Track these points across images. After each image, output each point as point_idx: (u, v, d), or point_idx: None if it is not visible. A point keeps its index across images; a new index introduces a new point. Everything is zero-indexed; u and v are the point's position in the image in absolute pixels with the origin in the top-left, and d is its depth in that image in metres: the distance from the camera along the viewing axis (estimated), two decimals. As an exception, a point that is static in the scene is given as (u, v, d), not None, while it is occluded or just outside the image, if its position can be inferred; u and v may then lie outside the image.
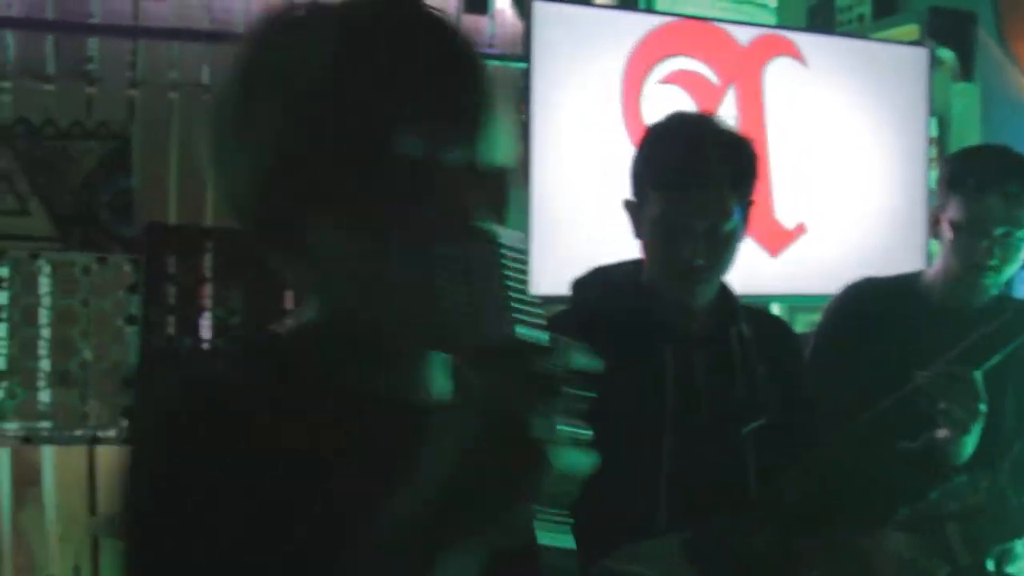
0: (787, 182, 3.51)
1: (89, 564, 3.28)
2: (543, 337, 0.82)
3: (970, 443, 2.09)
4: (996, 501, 2.13)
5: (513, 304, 0.82)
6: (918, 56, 3.72)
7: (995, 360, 2.13)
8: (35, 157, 3.17)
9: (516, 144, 1.01)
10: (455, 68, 0.96)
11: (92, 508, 3.30)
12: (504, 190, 0.99)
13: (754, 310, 2.14)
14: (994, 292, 2.49)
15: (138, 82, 3.40)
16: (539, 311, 0.84)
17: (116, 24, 3.40)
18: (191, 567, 0.89)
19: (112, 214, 3.24)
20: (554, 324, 0.83)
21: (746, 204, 1.95)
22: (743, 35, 3.51)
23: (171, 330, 3.25)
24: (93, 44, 3.37)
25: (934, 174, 3.77)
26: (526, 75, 3.27)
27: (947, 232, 2.43)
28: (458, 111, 0.94)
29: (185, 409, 0.94)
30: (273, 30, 0.99)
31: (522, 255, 0.85)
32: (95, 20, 3.39)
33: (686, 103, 3.38)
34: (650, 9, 3.93)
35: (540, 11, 3.28)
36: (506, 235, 0.85)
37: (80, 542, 3.31)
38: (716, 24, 3.53)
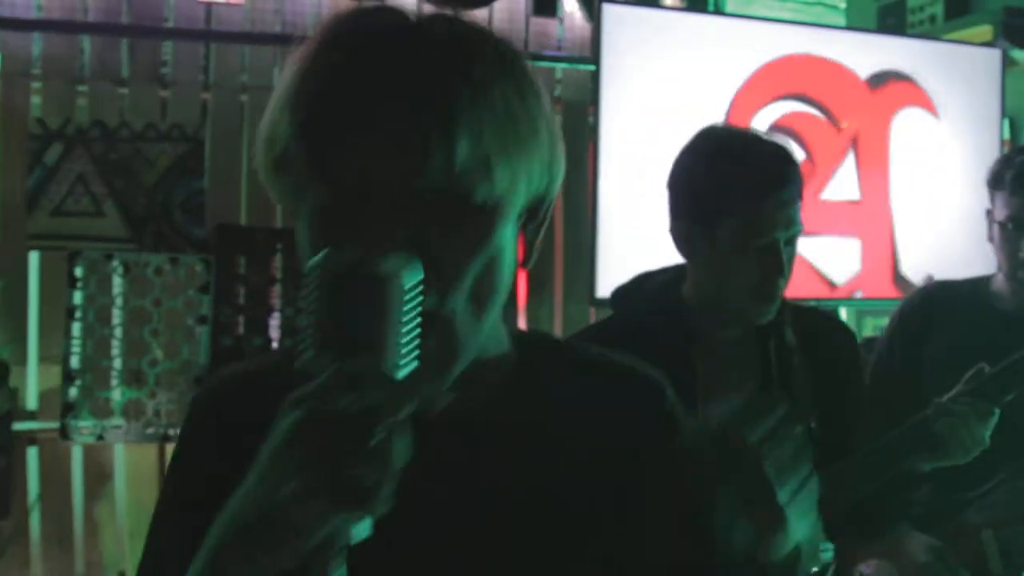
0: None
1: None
2: (361, 368, 0.80)
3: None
4: None
5: (325, 328, 0.80)
6: (991, 57, 3.66)
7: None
8: (110, 159, 3.23)
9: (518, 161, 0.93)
10: (404, 91, 0.89)
11: (163, 505, 3.34)
12: (449, 215, 0.90)
13: (804, 310, 2.10)
14: None
15: (210, 85, 3.45)
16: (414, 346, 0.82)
17: (189, 28, 3.46)
18: (176, 532, 0.98)
19: (184, 215, 3.29)
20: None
21: None
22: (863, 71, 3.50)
23: (241, 330, 3.29)
24: (167, 48, 3.43)
25: (1008, 177, 3.73)
26: (595, 77, 3.27)
27: (995, 233, 2.40)
28: (396, 133, 0.88)
29: (211, 392, 1.09)
30: (317, 31, 0.98)
31: (411, 292, 0.82)
32: (168, 24, 3.45)
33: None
34: (719, 11, 3.91)
35: (609, 13, 3.27)
36: (405, 270, 0.82)
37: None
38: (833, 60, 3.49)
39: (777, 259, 1.84)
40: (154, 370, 3.21)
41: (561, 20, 3.67)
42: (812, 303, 2.15)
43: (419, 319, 0.83)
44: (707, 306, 1.96)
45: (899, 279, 3.46)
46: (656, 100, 3.29)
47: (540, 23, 3.63)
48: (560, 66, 3.64)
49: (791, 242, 1.87)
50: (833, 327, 2.11)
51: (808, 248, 3.33)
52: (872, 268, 3.47)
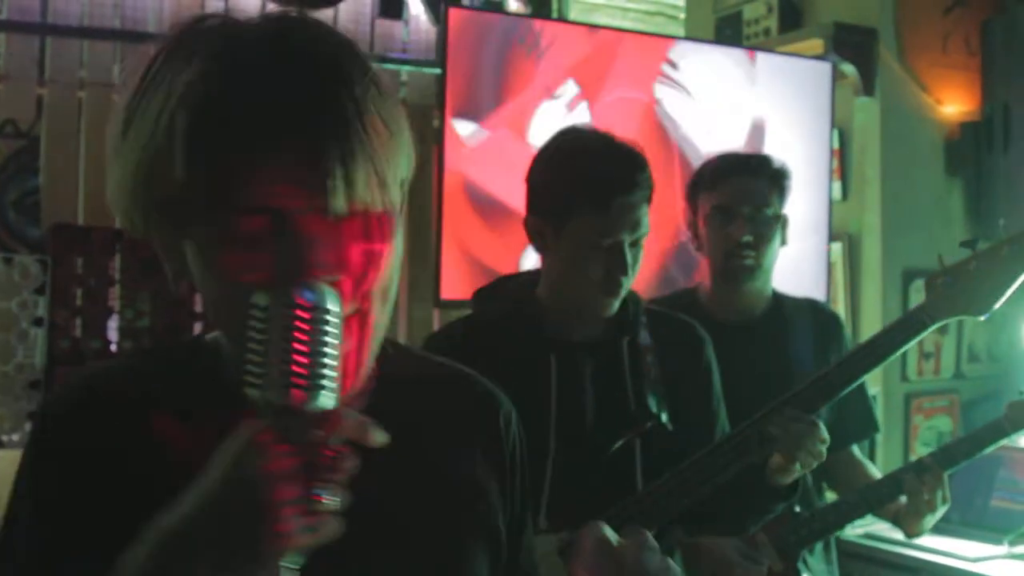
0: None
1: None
2: (326, 405, 0.85)
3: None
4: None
5: (300, 367, 0.84)
6: (822, 70, 3.82)
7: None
8: (-62, 155, 3.13)
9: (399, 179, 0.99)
10: (315, 109, 0.91)
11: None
12: (359, 232, 0.94)
13: (663, 316, 2.17)
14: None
15: (46, 80, 3.35)
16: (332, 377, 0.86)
17: (24, 20, 3.35)
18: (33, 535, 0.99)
19: (18, 214, 3.20)
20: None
21: None
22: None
23: (78, 332, 3.21)
24: (0, 40, 3.32)
25: (836, 185, 3.89)
26: (440, 80, 3.30)
27: (703, 232, 2.52)
28: (312, 158, 0.90)
29: (63, 394, 1.07)
30: (179, 35, 0.97)
31: (336, 318, 0.87)
32: (2, 16, 3.34)
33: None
34: (562, 18, 3.98)
35: (454, 16, 3.30)
36: (327, 295, 0.87)
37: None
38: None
39: (621, 259, 1.92)
40: (-13, 373, 3.12)
41: (407, 23, 3.68)
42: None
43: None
44: (556, 300, 2.05)
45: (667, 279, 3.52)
46: (500, 103, 3.33)
47: (386, 25, 3.64)
48: (405, 68, 3.66)
49: (636, 244, 1.94)
50: (686, 329, 2.18)
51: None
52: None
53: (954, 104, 3.94)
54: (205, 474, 0.84)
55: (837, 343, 2.60)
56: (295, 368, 0.84)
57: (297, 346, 0.84)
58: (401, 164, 0.99)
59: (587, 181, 1.93)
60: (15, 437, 3.13)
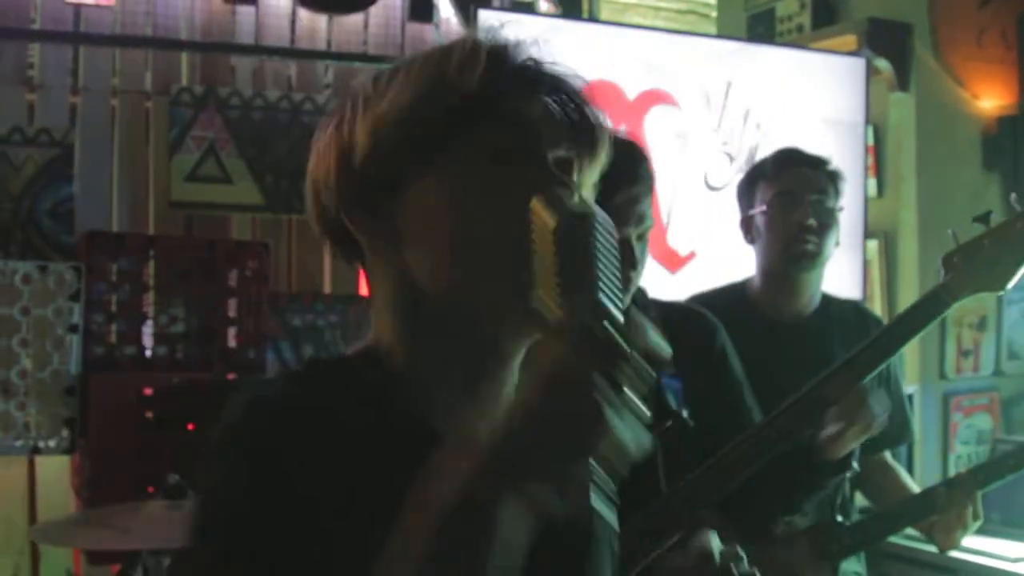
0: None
1: (29, 573, 3.25)
2: (618, 312, 0.83)
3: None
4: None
5: (601, 277, 0.84)
6: (856, 66, 3.79)
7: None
8: (-26, 164, 3.15)
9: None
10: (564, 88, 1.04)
11: (32, 518, 3.26)
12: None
13: (672, 308, 2.15)
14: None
15: (80, 88, 3.37)
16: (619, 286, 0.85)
17: (57, 30, 3.37)
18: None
19: (53, 222, 3.22)
20: None
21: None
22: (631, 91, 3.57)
23: (113, 338, 3.24)
24: (34, 50, 3.35)
25: (871, 182, 3.85)
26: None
27: (760, 223, 2.50)
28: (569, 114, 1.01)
29: (248, 426, 0.98)
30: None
31: (612, 232, 0.88)
32: (36, 26, 3.36)
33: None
34: (594, 19, 3.96)
35: (484, 20, 3.29)
36: (599, 213, 0.88)
37: (19, 553, 3.27)
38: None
39: (629, 254, 1.90)
40: (24, 381, 3.14)
41: (437, 26, 3.67)
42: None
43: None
44: None
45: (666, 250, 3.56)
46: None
47: (416, 28, 3.63)
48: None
49: (642, 237, 1.93)
50: (696, 318, 2.16)
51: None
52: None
53: (991, 98, 3.90)
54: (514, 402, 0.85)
55: None
56: (598, 279, 0.84)
57: (609, 255, 0.86)
58: None
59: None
60: (51, 443, 3.14)
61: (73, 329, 3.17)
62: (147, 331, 3.25)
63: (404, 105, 1.00)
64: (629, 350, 0.81)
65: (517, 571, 0.83)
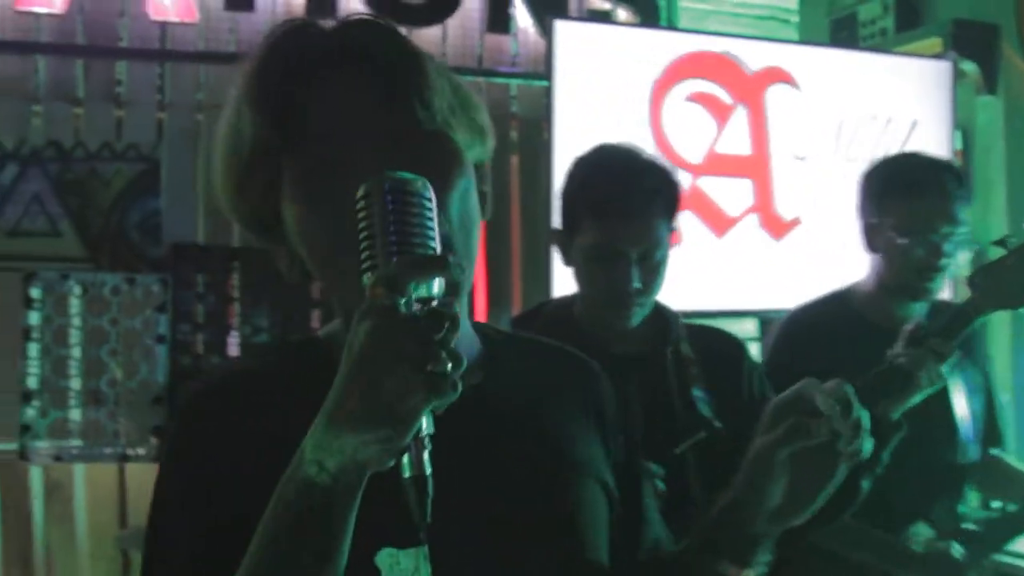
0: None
1: (119, 580, 3.32)
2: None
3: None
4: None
5: (404, 236, 0.87)
6: (942, 69, 3.72)
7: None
8: (66, 179, 3.23)
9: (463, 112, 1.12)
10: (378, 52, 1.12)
11: (122, 525, 3.33)
12: (442, 152, 1.05)
13: (699, 328, 2.20)
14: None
15: (165, 104, 3.45)
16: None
17: (143, 48, 3.45)
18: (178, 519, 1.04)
19: (141, 234, 3.28)
20: None
21: (671, 231, 2.02)
22: (751, 63, 3.55)
23: (199, 348, 3.29)
24: (121, 67, 3.43)
25: (959, 187, 3.77)
26: (548, 93, 3.29)
27: (888, 243, 2.45)
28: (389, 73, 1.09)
29: (202, 388, 1.12)
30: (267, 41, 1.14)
31: (410, 191, 0.88)
32: (123, 44, 3.44)
33: (704, 118, 3.43)
34: (672, 26, 3.94)
35: (562, 30, 3.30)
36: (418, 179, 0.90)
37: (111, 559, 3.34)
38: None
39: (625, 271, 1.95)
40: (113, 390, 3.20)
41: (515, 36, 3.68)
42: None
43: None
44: (583, 315, 2.09)
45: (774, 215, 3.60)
46: (609, 115, 3.32)
47: (494, 39, 3.64)
48: (515, 82, 3.66)
49: (648, 257, 1.95)
50: (723, 339, 2.21)
51: (709, 187, 3.50)
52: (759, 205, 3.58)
53: (1082, 100, 3.80)
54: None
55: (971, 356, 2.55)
56: (399, 237, 0.86)
57: (399, 218, 0.87)
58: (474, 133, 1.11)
59: (586, 191, 1.99)
60: (141, 451, 3.20)
61: (160, 339, 3.23)
62: (232, 341, 3.30)
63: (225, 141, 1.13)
64: (416, 303, 0.84)
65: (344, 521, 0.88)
